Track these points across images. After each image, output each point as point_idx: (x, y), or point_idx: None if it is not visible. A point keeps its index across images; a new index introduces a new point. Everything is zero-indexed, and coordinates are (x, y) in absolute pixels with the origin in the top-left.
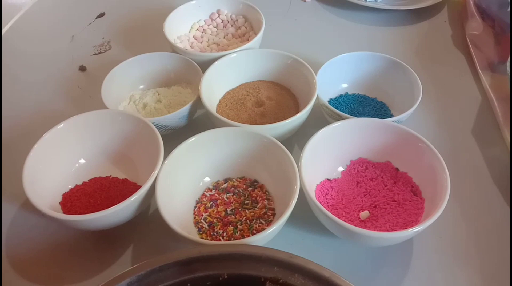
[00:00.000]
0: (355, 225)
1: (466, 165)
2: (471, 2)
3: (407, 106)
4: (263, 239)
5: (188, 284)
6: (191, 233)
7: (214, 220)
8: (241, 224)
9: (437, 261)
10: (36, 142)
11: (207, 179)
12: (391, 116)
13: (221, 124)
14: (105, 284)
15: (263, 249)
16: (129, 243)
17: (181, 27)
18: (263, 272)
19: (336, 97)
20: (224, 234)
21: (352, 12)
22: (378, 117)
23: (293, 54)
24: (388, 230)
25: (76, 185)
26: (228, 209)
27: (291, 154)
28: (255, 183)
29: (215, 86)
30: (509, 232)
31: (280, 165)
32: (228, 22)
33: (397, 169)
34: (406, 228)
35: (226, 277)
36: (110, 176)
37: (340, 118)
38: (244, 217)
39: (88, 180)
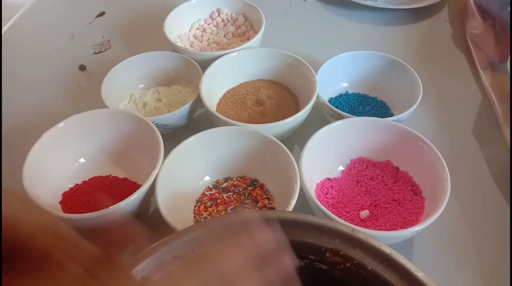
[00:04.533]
0: (355, 224)
1: (466, 164)
2: (471, 1)
3: (407, 105)
4: None
5: None
6: None
7: None
8: None
9: (437, 260)
10: (36, 141)
11: (207, 178)
12: (391, 115)
13: (221, 123)
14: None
15: (326, 220)
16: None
17: (181, 26)
18: (324, 242)
19: (336, 96)
20: None
21: (353, 11)
22: (378, 116)
23: (293, 53)
24: (388, 229)
25: (76, 184)
26: (228, 208)
27: (291, 153)
28: (255, 182)
29: (215, 85)
30: (509, 231)
31: (280, 164)
32: (228, 21)
33: (397, 168)
34: (406, 228)
35: (288, 242)
36: (110, 175)
37: (340, 117)
38: None
39: (88, 179)
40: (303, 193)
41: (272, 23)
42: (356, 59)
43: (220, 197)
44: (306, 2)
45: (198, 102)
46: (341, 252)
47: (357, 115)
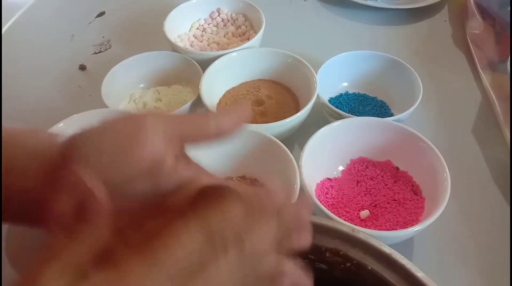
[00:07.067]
0: (355, 224)
1: (466, 164)
2: (471, 1)
3: (408, 105)
4: None
5: None
6: None
7: None
8: None
9: (437, 260)
10: None
11: None
12: (391, 115)
13: None
14: None
15: (326, 220)
16: None
17: (181, 26)
18: (325, 242)
19: (336, 96)
20: None
21: (353, 11)
22: (378, 116)
23: (294, 53)
24: (388, 229)
25: None
26: None
27: (291, 153)
28: (255, 182)
29: (215, 85)
30: (509, 232)
31: (280, 164)
32: (228, 21)
33: (397, 168)
34: (406, 227)
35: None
36: None
37: (340, 117)
38: None
39: None
40: (303, 193)
41: (272, 23)
42: (356, 59)
43: None
44: (306, 2)
45: (198, 102)
46: (341, 252)
47: (357, 115)
